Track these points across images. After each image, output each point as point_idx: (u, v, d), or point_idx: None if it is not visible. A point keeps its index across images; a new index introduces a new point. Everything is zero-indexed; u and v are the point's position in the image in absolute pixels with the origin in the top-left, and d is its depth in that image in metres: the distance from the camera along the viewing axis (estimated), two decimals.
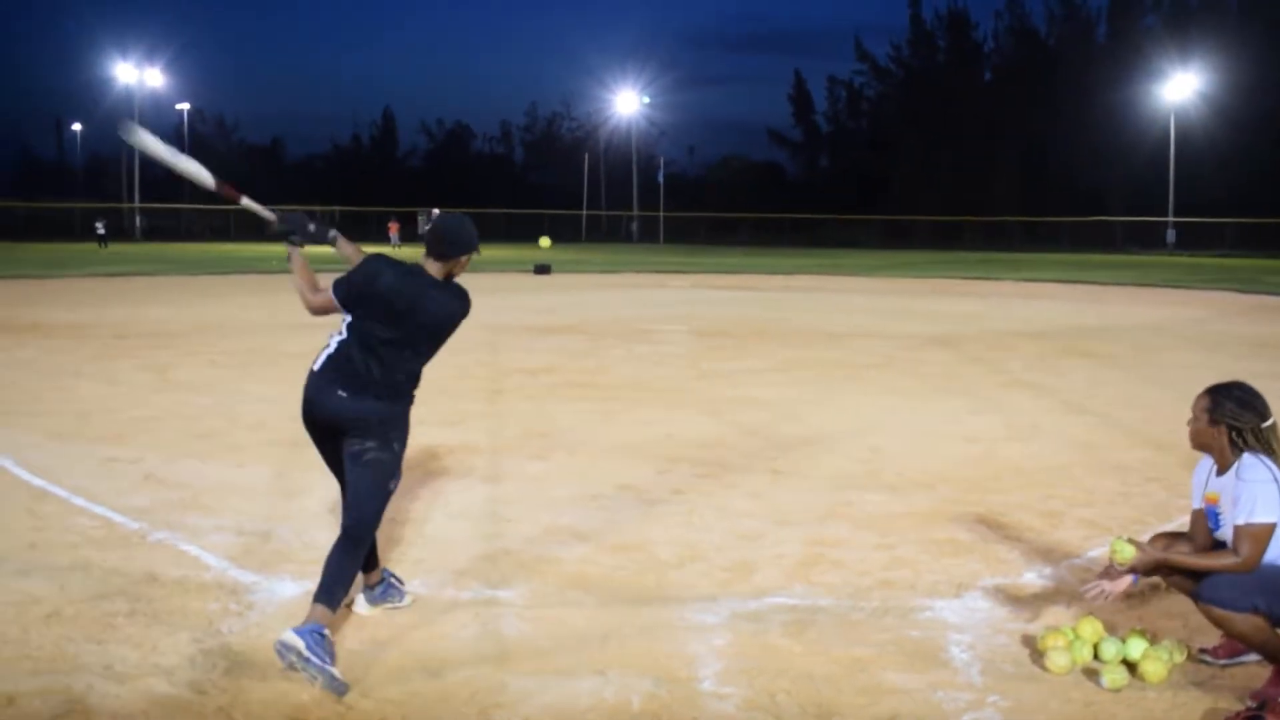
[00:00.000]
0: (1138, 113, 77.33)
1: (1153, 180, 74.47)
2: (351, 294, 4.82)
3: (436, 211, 41.97)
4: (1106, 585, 4.57)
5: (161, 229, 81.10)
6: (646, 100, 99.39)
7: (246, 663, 4.65)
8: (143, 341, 16.02)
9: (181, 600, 5.38)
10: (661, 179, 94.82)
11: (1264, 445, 4.46)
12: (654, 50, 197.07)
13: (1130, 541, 4.59)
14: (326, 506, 7.11)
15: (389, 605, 5.29)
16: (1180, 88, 73.22)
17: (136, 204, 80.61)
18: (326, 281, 4.91)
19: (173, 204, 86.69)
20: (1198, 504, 4.74)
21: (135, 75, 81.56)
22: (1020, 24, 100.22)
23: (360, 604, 5.25)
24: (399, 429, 4.88)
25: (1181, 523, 5.65)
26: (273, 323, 18.99)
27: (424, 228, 41.11)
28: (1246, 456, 4.45)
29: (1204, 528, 4.69)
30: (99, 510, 6.94)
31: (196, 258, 46.84)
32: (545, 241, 13.15)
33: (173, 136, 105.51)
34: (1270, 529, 4.33)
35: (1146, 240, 72.30)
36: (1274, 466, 4.40)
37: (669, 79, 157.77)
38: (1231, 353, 16.24)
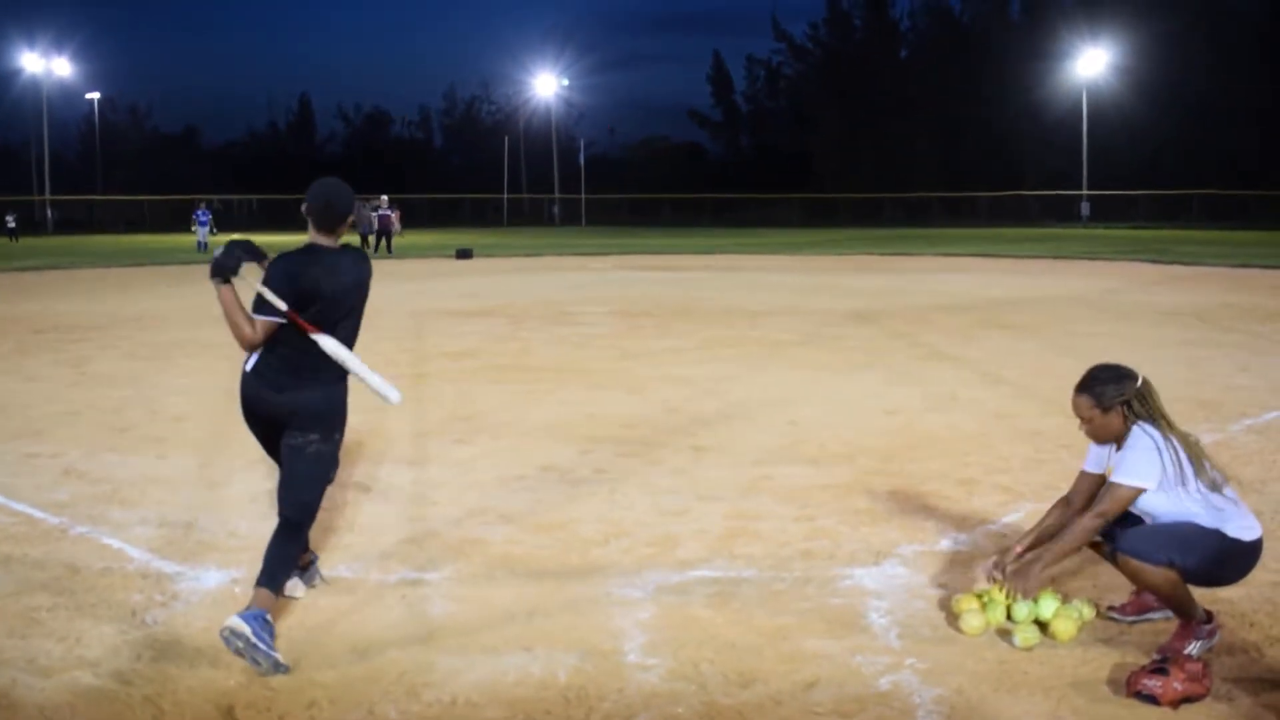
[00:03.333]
0: (1051, 88, 78.50)
1: (1067, 154, 75.71)
2: (285, 301, 4.69)
3: (385, 198, 40.66)
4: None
5: (74, 221, 79.46)
6: (565, 82, 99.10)
7: (172, 652, 4.65)
8: (59, 335, 15.77)
9: (105, 593, 5.36)
10: (582, 161, 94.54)
11: (1148, 406, 4.64)
12: (572, 32, 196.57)
13: (980, 596, 4.83)
14: (249, 496, 7.11)
15: (312, 584, 5.35)
16: (1092, 63, 74.45)
17: (48, 196, 78.90)
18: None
19: (85, 195, 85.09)
20: (1089, 467, 4.93)
21: (42, 65, 79.67)
22: (936, 2, 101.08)
23: (297, 589, 5.26)
24: (339, 418, 4.95)
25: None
26: (191, 314, 18.76)
27: (361, 214, 39.81)
28: (1134, 429, 4.63)
29: (1085, 489, 4.89)
30: (19, 507, 6.86)
31: (111, 250, 46.02)
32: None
33: (84, 126, 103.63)
34: (1133, 491, 4.55)
35: (1062, 213, 73.50)
36: (1156, 434, 4.57)
37: (588, 61, 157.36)
38: (1143, 321, 16.63)
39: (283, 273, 4.75)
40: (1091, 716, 4.08)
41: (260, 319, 4.71)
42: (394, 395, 4.88)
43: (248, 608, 4.51)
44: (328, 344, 4.75)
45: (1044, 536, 4.92)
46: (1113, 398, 4.66)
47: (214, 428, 9.36)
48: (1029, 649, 4.61)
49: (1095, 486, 4.83)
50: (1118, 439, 4.73)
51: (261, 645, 4.36)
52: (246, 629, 4.37)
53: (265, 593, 4.62)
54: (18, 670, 4.48)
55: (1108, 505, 4.57)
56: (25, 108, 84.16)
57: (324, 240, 4.84)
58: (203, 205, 48.75)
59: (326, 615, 5.07)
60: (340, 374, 4.88)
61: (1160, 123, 76.80)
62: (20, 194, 76.40)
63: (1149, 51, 75.25)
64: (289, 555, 4.85)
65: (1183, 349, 13.18)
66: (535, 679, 4.39)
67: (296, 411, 4.82)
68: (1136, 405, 4.63)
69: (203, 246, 43.79)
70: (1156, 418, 4.62)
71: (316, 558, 5.46)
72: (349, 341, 4.89)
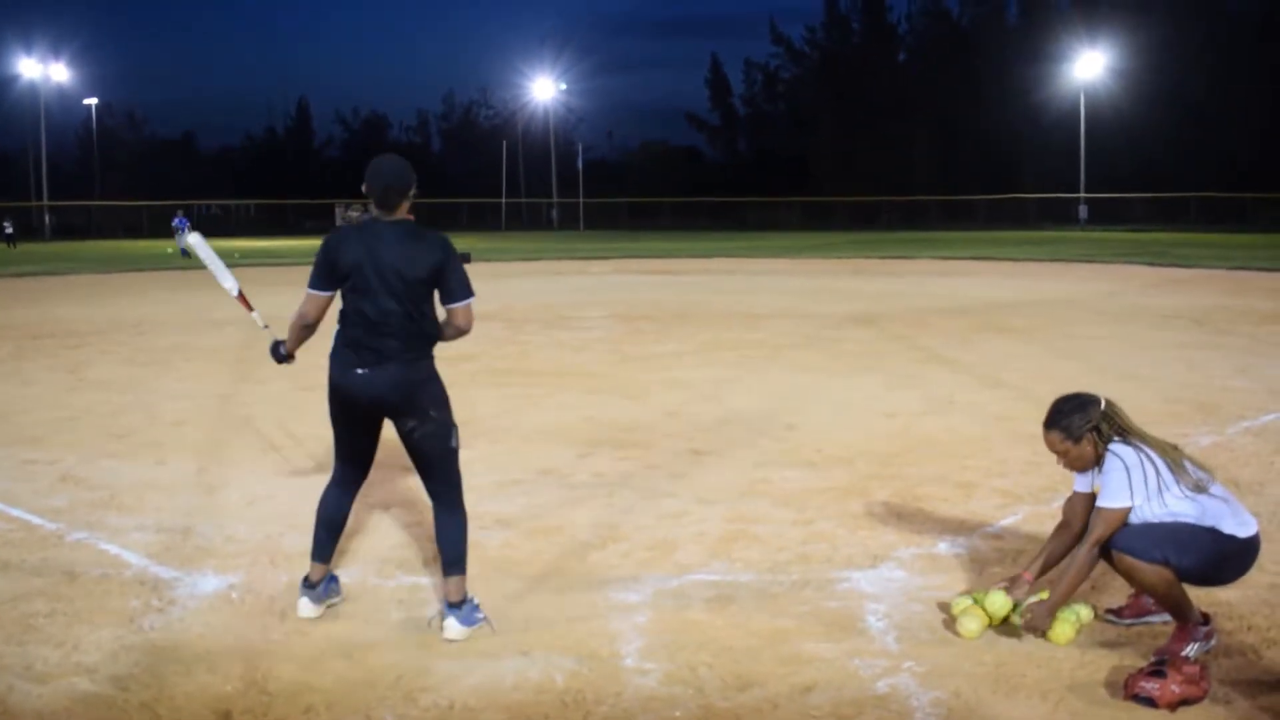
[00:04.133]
0: (1049, 91, 78.55)
1: (1065, 157, 75.77)
2: (323, 276, 4.88)
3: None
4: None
5: (72, 227, 79.43)
6: (563, 87, 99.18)
7: (169, 657, 4.65)
8: (57, 341, 15.76)
9: (102, 599, 5.35)
10: (581, 165, 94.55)
11: (1117, 425, 4.69)
12: (570, 36, 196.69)
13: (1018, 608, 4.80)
14: (247, 501, 7.11)
15: (330, 602, 5.20)
16: (1089, 66, 74.50)
17: (45, 202, 78.90)
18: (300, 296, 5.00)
19: (83, 201, 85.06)
20: (1078, 488, 4.95)
21: (40, 70, 79.68)
22: (934, 5, 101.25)
23: (306, 608, 5.09)
24: (427, 393, 4.91)
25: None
26: (190, 319, 18.75)
27: (341, 219, 39.94)
28: (1107, 454, 4.67)
29: (1080, 510, 4.89)
30: (16, 513, 6.85)
31: (109, 255, 46.03)
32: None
33: (81, 132, 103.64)
34: (1120, 513, 4.58)
35: (1060, 216, 73.53)
36: (1128, 452, 4.61)
37: (586, 65, 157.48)
38: (1141, 324, 16.62)
39: (322, 245, 4.95)
40: (1089, 719, 4.08)
41: (309, 291, 4.93)
42: (230, 284, 5.78)
43: (459, 602, 4.86)
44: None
45: (1050, 561, 4.95)
46: (1081, 426, 4.70)
47: (212, 433, 9.37)
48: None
49: (1089, 505, 4.84)
50: (1097, 463, 4.76)
51: (476, 626, 4.84)
52: (468, 633, 4.81)
53: (459, 579, 4.90)
54: (15, 676, 4.47)
55: (1101, 532, 4.62)
56: (23, 113, 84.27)
57: (381, 215, 4.93)
58: (180, 212, 48.88)
59: (323, 619, 5.07)
60: (413, 351, 4.87)
61: (1158, 125, 76.89)
62: (18, 199, 76.42)
63: (1147, 54, 75.34)
64: (457, 530, 5.02)
65: (1181, 351, 13.15)
66: (533, 683, 4.39)
67: (382, 399, 4.84)
68: (1105, 428, 4.68)
69: (185, 254, 43.68)
70: (1127, 434, 4.66)
71: (335, 577, 5.31)
72: (411, 324, 4.85)
